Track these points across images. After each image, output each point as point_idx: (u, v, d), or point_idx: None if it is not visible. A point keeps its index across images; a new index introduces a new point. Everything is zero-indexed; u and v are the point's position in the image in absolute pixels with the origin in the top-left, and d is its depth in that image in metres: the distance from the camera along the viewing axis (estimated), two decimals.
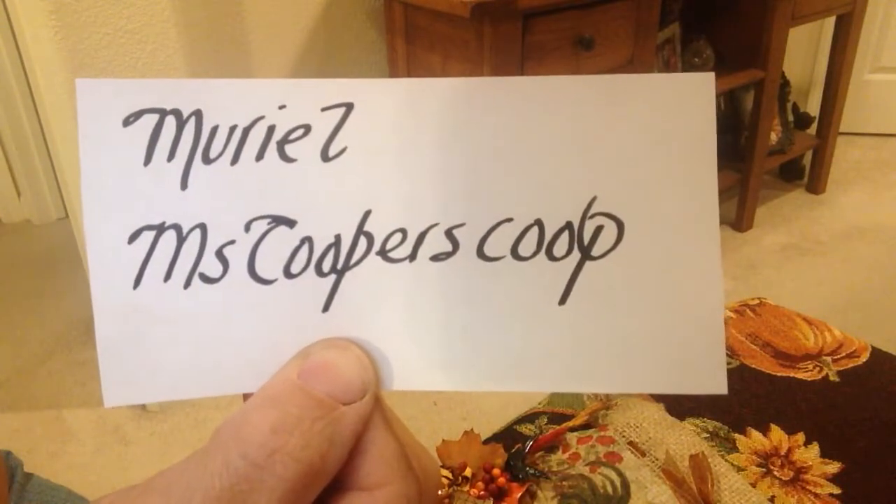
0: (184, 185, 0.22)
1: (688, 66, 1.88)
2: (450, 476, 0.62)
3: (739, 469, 0.62)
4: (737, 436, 0.66)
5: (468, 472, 0.62)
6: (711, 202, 0.22)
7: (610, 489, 0.60)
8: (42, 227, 2.30)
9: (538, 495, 0.61)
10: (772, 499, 0.60)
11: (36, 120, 2.00)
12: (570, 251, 0.22)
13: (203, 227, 0.22)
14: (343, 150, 0.22)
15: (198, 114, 0.22)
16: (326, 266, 0.22)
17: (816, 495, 0.60)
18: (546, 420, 0.70)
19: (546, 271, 0.22)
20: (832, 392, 0.71)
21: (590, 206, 0.22)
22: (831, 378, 0.73)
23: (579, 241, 0.22)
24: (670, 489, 0.60)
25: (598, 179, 0.22)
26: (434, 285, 0.22)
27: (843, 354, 0.76)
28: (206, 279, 0.22)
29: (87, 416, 1.53)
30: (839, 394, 0.70)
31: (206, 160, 0.22)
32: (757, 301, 0.85)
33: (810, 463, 0.63)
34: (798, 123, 2.23)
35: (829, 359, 0.75)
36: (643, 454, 0.63)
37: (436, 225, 0.22)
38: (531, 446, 0.64)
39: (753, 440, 0.66)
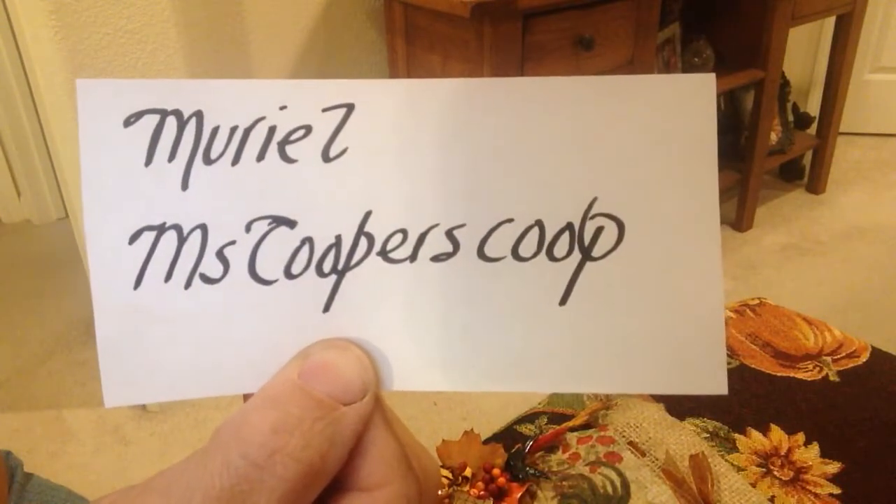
0: (185, 186, 0.22)
1: (688, 66, 1.88)
2: (450, 476, 0.62)
3: (739, 469, 0.62)
4: (737, 436, 0.66)
5: (468, 472, 0.62)
6: (712, 203, 0.22)
7: (610, 489, 0.61)
8: (42, 227, 2.30)
9: (538, 495, 0.61)
10: (772, 499, 0.60)
11: (36, 120, 2.00)
12: (570, 252, 0.22)
13: (204, 228, 0.22)
14: (344, 151, 0.22)
15: (199, 114, 0.22)
16: (327, 266, 0.22)
17: (816, 495, 0.60)
18: (546, 420, 0.70)
19: (546, 272, 0.22)
20: (832, 392, 0.71)
21: (590, 206, 0.22)
22: (831, 378, 0.73)
23: (580, 242, 0.22)
24: (670, 489, 0.60)
25: (599, 180, 0.22)
26: (434, 286, 0.22)
27: (843, 354, 0.76)
28: (206, 279, 0.22)
29: (87, 416, 1.53)
30: (839, 394, 0.71)
31: (207, 161, 0.22)
32: (757, 301, 0.85)
33: (810, 463, 0.63)
34: (798, 123, 2.23)
35: (829, 359, 0.75)
36: (643, 454, 0.63)
37: (436, 225, 0.22)
38: (531, 446, 0.64)
39: (753, 440, 0.66)
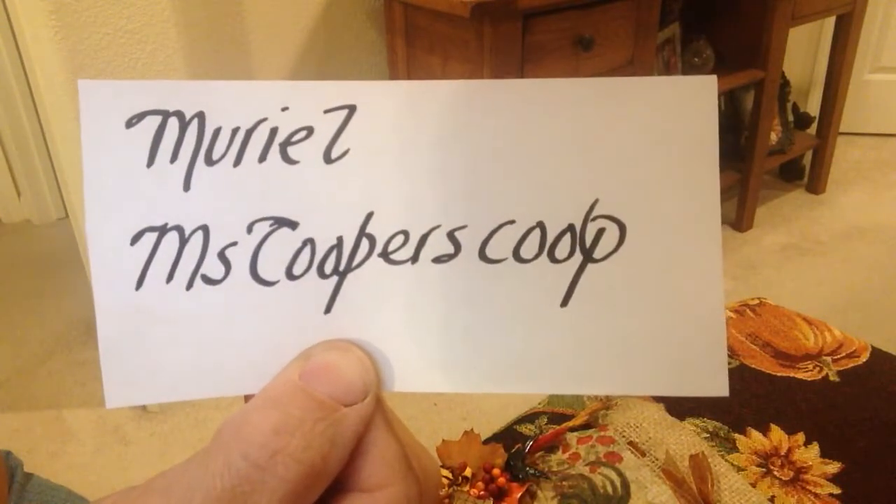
0: (186, 187, 0.22)
1: (688, 66, 1.88)
2: (450, 476, 0.62)
3: (739, 469, 0.62)
4: (737, 436, 0.66)
5: (468, 472, 0.62)
6: (713, 205, 0.22)
7: (610, 489, 0.61)
8: (42, 227, 2.30)
9: (538, 495, 0.61)
10: (772, 499, 0.60)
11: (36, 120, 2.00)
12: (571, 253, 0.22)
13: (205, 229, 0.22)
14: (346, 152, 0.22)
15: (201, 115, 0.22)
16: (328, 268, 0.22)
17: (816, 495, 0.60)
18: (546, 420, 0.70)
19: (548, 273, 0.22)
20: (832, 392, 0.71)
21: (592, 208, 0.22)
22: (831, 378, 0.73)
23: (581, 244, 0.22)
24: (670, 489, 0.60)
25: (600, 182, 0.22)
26: (436, 287, 0.22)
27: (843, 354, 0.76)
28: (208, 280, 0.22)
29: (87, 416, 1.53)
30: (839, 394, 0.71)
31: (209, 162, 0.22)
32: (757, 301, 0.85)
33: (810, 463, 0.63)
34: (798, 123, 2.23)
35: (829, 359, 0.75)
36: (643, 454, 0.63)
37: (438, 227, 0.22)
38: (531, 446, 0.64)
39: (753, 440, 0.66)
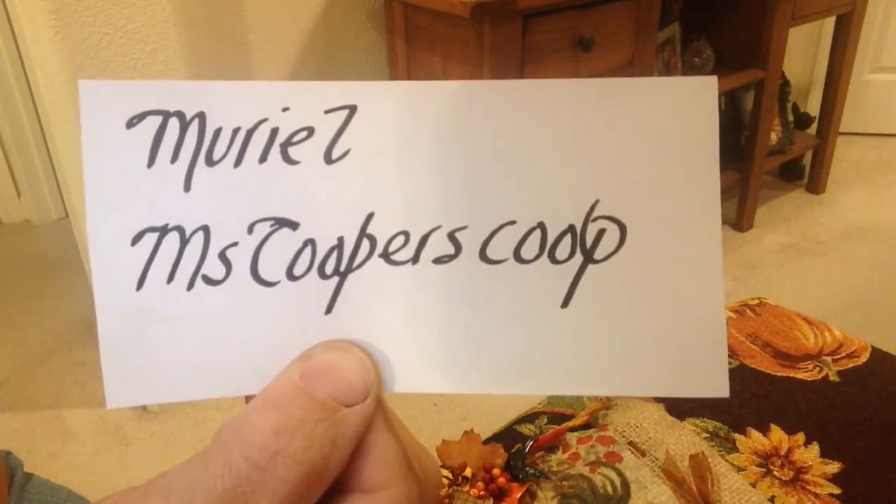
0: (187, 187, 0.22)
1: (688, 66, 1.88)
2: (450, 476, 0.62)
3: (739, 469, 0.63)
4: (737, 436, 0.66)
5: (468, 472, 0.62)
6: (713, 206, 0.22)
7: (610, 489, 0.61)
8: (42, 227, 2.30)
9: (538, 495, 0.61)
10: (772, 499, 0.60)
11: (36, 120, 2.00)
12: (572, 254, 0.22)
13: (206, 229, 0.22)
14: (346, 153, 0.22)
15: (201, 116, 0.22)
16: (329, 268, 0.22)
17: (816, 495, 0.60)
18: (546, 420, 0.70)
19: (548, 274, 0.22)
20: (832, 392, 0.71)
21: (592, 209, 0.22)
22: (831, 378, 0.73)
23: (582, 245, 0.22)
24: (670, 489, 0.60)
25: (601, 183, 0.22)
26: (436, 288, 0.22)
27: (843, 354, 0.76)
28: (208, 281, 0.22)
29: (87, 416, 1.53)
30: (839, 394, 0.71)
31: (210, 162, 0.22)
32: (757, 301, 0.85)
33: (810, 463, 0.63)
34: (798, 123, 2.23)
35: (829, 359, 0.75)
36: (643, 454, 0.63)
37: (438, 227, 0.22)
38: (531, 446, 0.64)
39: (753, 440, 0.66)
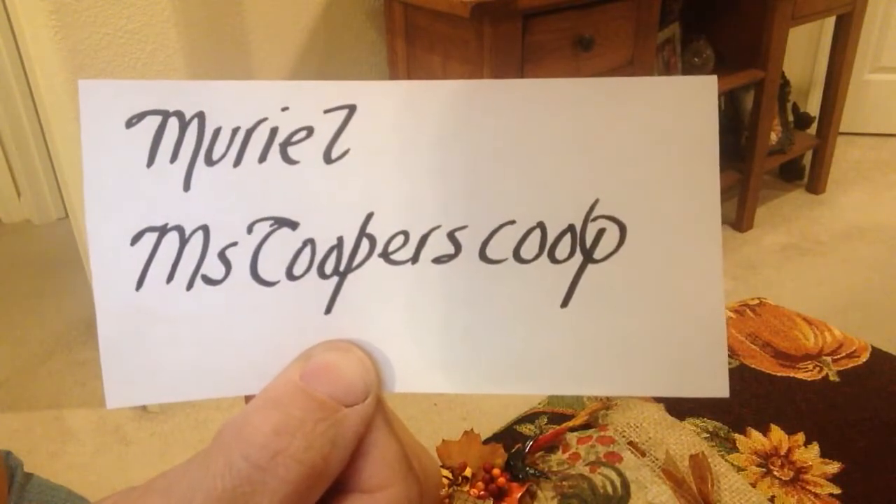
0: (186, 187, 0.22)
1: (688, 66, 1.88)
2: (450, 476, 0.62)
3: (739, 469, 0.62)
4: (737, 436, 0.66)
5: (468, 472, 0.62)
6: (713, 205, 0.22)
7: (610, 489, 0.61)
8: (42, 227, 2.30)
9: (538, 495, 0.61)
10: (772, 499, 0.60)
11: (36, 120, 2.00)
12: (572, 254, 0.22)
13: (206, 229, 0.22)
14: (346, 153, 0.22)
15: (201, 115, 0.22)
16: (329, 268, 0.22)
17: (816, 495, 0.60)
18: (546, 420, 0.70)
19: (548, 274, 0.22)
20: (832, 392, 0.71)
21: (592, 208, 0.22)
22: (831, 378, 0.73)
23: (581, 244, 0.22)
24: (670, 489, 0.60)
25: (601, 182, 0.22)
26: (436, 287, 0.22)
27: (843, 354, 0.76)
28: (208, 281, 0.22)
29: (87, 416, 1.53)
30: (839, 394, 0.71)
31: (209, 162, 0.22)
32: (757, 301, 0.85)
33: (810, 463, 0.63)
34: (798, 123, 2.23)
35: (829, 359, 0.75)
36: (643, 454, 0.63)
37: (438, 227, 0.22)
38: (531, 446, 0.64)
39: (753, 440, 0.66)
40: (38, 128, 2.04)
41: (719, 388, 0.22)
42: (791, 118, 2.18)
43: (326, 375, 0.20)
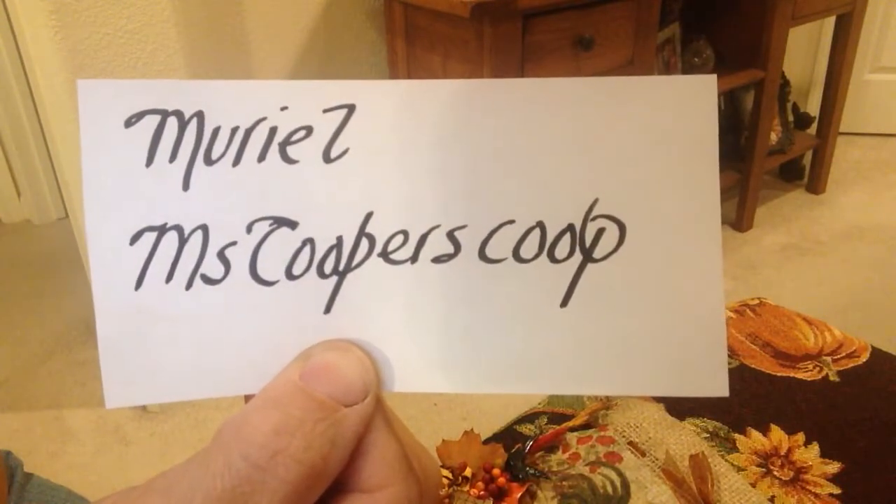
0: (185, 187, 0.22)
1: (688, 66, 1.88)
2: (450, 476, 0.62)
3: (739, 469, 0.62)
4: (737, 436, 0.66)
5: (468, 472, 0.62)
6: (713, 205, 0.22)
7: (610, 489, 0.61)
8: (42, 227, 2.30)
9: (538, 495, 0.61)
10: (772, 499, 0.60)
11: (36, 120, 2.00)
12: (571, 253, 0.22)
13: (205, 228, 0.22)
14: (345, 152, 0.22)
15: (200, 115, 0.22)
16: (328, 267, 0.22)
17: (816, 495, 0.60)
18: (546, 420, 0.70)
19: (548, 273, 0.22)
20: (832, 392, 0.71)
21: (591, 208, 0.22)
22: (831, 378, 0.73)
23: (581, 244, 0.22)
24: (670, 489, 0.60)
25: (600, 181, 0.22)
26: (435, 287, 0.22)
27: (843, 354, 0.76)
28: (207, 280, 0.22)
29: (87, 416, 1.53)
30: (839, 394, 0.71)
31: (208, 161, 0.22)
32: (757, 301, 0.85)
33: (810, 463, 0.63)
34: (798, 123, 2.23)
35: (829, 359, 0.75)
36: (643, 454, 0.63)
37: (437, 226, 0.22)
38: (531, 446, 0.64)
39: (753, 440, 0.66)
40: (38, 128, 2.04)
41: (719, 387, 0.22)
42: (791, 118, 2.18)
43: (326, 375, 0.20)
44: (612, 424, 0.67)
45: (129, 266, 0.22)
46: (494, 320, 0.22)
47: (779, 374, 0.73)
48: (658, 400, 0.69)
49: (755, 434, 0.66)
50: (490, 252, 0.22)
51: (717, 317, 0.22)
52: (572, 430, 0.67)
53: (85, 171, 0.22)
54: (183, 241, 0.22)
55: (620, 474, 0.62)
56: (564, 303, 0.22)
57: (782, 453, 0.64)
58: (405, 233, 0.22)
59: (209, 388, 0.23)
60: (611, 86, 0.22)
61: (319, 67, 1.60)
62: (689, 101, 0.22)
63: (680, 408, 0.68)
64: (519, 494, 0.60)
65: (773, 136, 2.09)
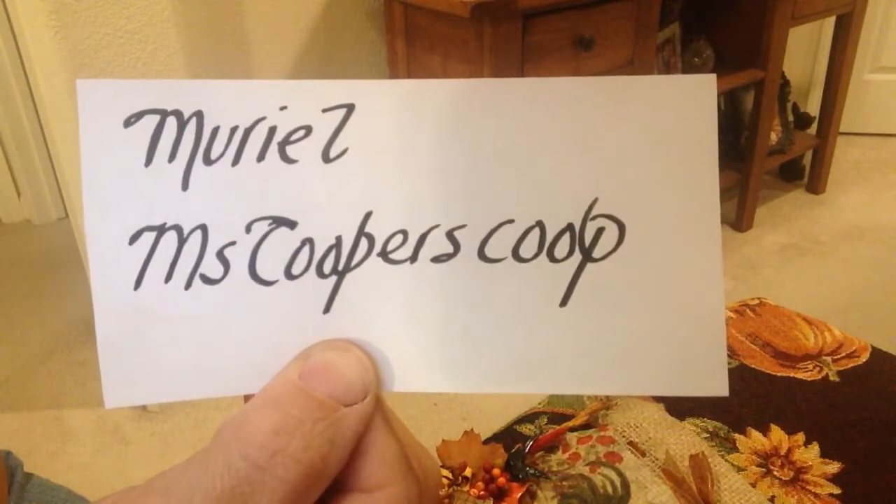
0: (185, 186, 0.22)
1: (688, 66, 1.88)
2: (450, 476, 0.62)
3: (739, 469, 0.62)
4: (737, 436, 0.66)
5: (468, 472, 0.62)
6: (712, 204, 0.22)
7: (610, 489, 0.61)
8: (42, 227, 2.30)
9: (538, 495, 0.61)
10: (772, 499, 0.60)
11: (36, 120, 2.00)
12: (571, 253, 0.22)
13: (204, 228, 0.22)
14: (344, 152, 0.22)
15: (199, 115, 0.22)
16: (327, 267, 0.22)
17: (816, 495, 0.60)
18: (546, 420, 0.70)
19: (547, 273, 0.22)
20: (832, 392, 0.71)
21: (591, 207, 0.22)
22: (831, 378, 0.73)
23: (580, 243, 0.22)
24: (670, 489, 0.60)
25: (600, 181, 0.22)
26: (435, 287, 0.22)
27: (843, 354, 0.76)
28: (206, 280, 0.22)
29: (87, 416, 1.53)
30: (839, 394, 0.71)
31: (208, 161, 0.22)
32: (757, 301, 0.85)
33: (810, 463, 0.63)
34: (798, 123, 2.23)
35: (829, 359, 0.75)
36: (643, 454, 0.63)
37: (437, 226, 0.22)
38: (531, 446, 0.64)
39: (753, 440, 0.66)
40: (38, 128, 2.04)
41: (719, 387, 0.22)
42: (791, 118, 2.18)
43: (325, 375, 0.20)
44: (612, 424, 0.67)
45: (128, 266, 0.22)
46: (494, 320, 0.22)
47: (779, 374, 0.73)
48: (658, 400, 0.69)
49: (755, 434, 0.66)
50: (489, 252, 0.22)
51: (717, 317, 0.22)
52: (572, 430, 0.67)
53: (84, 171, 0.22)
54: (182, 240, 0.22)
55: (620, 474, 0.62)
56: (564, 302, 0.22)
57: (782, 453, 0.64)
58: (404, 232, 0.22)
59: (208, 387, 0.23)
60: (610, 85, 0.22)
61: (319, 67, 1.60)
62: (689, 101, 0.22)
63: (680, 408, 0.68)
64: (519, 494, 0.60)
65: (773, 136, 2.09)
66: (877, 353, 0.76)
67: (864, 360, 0.75)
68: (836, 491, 0.61)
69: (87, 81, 0.22)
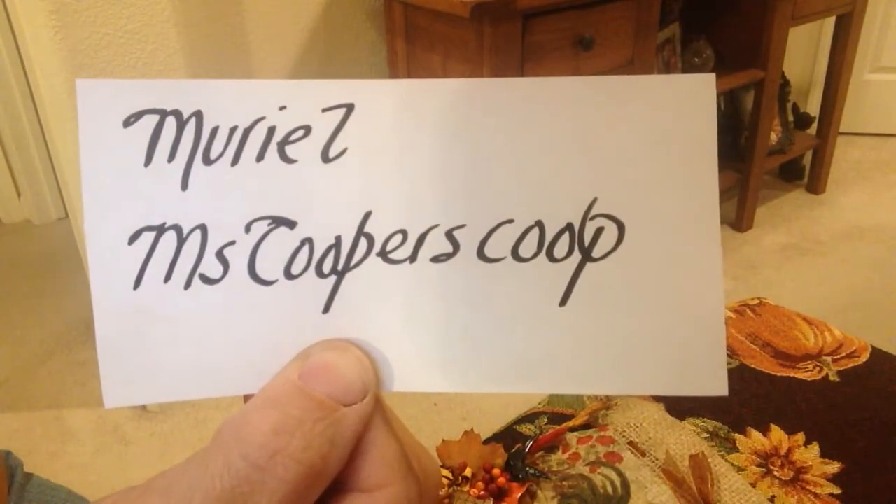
0: (184, 186, 0.22)
1: (688, 66, 1.88)
2: (450, 476, 0.62)
3: (739, 469, 0.62)
4: (737, 436, 0.66)
5: (468, 472, 0.62)
6: (712, 203, 0.22)
7: (610, 489, 0.60)
8: (42, 227, 2.30)
9: (538, 495, 0.61)
10: (772, 499, 0.60)
11: (36, 120, 2.00)
12: (570, 252, 0.22)
13: (203, 228, 0.22)
14: (343, 151, 0.22)
15: (198, 114, 0.22)
16: (327, 267, 0.22)
17: (816, 495, 0.60)
18: (546, 420, 0.70)
19: (546, 273, 0.22)
20: (832, 392, 0.71)
21: (590, 207, 0.22)
22: (831, 378, 0.73)
23: (580, 243, 0.22)
24: (670, 489, 0.60)
25: (599, 180, 0.22)
26: (434, 286, 0.22)
27: (843, 354, 0.76)
28: (206, 280, 0.22)
29: (87, 416, 1.53)
30: (839, 394, 0.70)
31: (207, 161, 0.22)
32: (757, 301, 0.85)
33: (810, 463, 0.63)
34: (798, 123, 2.23)
35: (829, 359, 0.75)
36: (643, 454, 0.63)
37: (436, 226, 0.22)
38: (531, 446, 0.64)
39: (753, 440, 0.66)
40: (38, 128, 2.04)
41: (718, 387, 0.22)
42: (791, 118, 2.18)
43: (325, 375, 0.20)
44: (612, 424, 0.67)
45: (127, 266, 0.22)
46: (493, 320, 0.22)
47: (779, 374, 0.73)
48: (658, 400, 0.69)
49: (755, 434, 0.66)
50: (489, 251, 0.22)
51: (717, 316, 0.22)
52: (572, 430, 0.67)
53: (84, 171, 0.22)
54: (181, 240, 0.22)
55: (620, 474, 0.62)
56: (563, 302, 0.22)
57: (782, 453, 0.64)
58: (404, 232, 0.22)
59: (208, 387, 0.23)
60: (610, 85, 0.22)
61: (319, 67, 1.60)
62: (689, 101, 0.22)
63: (680, 408, 0.68)
64: (519, 494, 0.60)
65: (773, 136, 2.09)
66: (877, 353, 0.76)
67: (864, 360, 0.75)
68: (836, 491, 0.60)
69: (86, 81, 0.22)
